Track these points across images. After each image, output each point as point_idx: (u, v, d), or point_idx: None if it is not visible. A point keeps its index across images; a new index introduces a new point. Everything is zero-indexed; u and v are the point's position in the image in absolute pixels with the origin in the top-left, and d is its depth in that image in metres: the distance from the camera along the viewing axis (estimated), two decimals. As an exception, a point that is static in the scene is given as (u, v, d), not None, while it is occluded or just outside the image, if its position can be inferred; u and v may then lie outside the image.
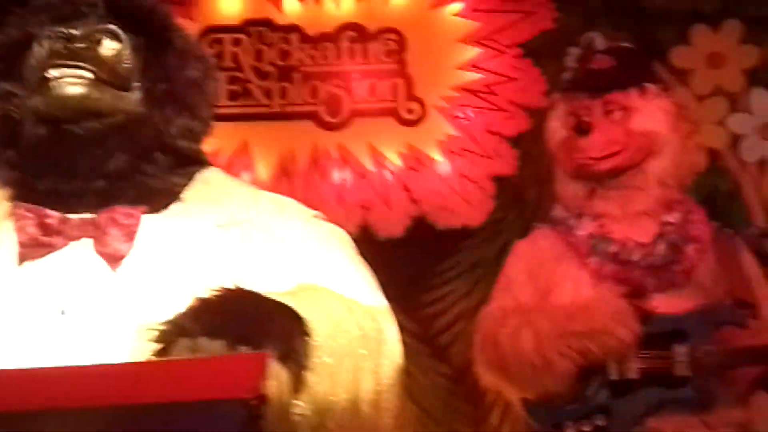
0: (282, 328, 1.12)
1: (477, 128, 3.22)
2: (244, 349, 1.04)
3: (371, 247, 2.97)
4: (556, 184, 2.25)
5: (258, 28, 3.29)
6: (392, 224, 3.18)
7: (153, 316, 1.12)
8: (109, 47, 1.34)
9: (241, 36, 3.29)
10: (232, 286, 1.13)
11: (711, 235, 2.14)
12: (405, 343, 1.28)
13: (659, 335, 2.02)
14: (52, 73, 1.29)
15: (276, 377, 1.06)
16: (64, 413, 0.93)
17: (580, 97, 2.17)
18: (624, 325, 1.98)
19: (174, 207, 1.33)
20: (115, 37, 1.34)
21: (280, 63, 3.27)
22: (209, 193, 1.37)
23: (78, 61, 1.30)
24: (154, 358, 1.06)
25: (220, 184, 1.41)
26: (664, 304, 2.05)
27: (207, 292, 1.12)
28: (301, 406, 1.11)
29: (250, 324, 1.09)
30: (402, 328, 1.31)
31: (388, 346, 1.27)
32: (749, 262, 2.16)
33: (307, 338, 1.14)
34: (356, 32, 3.28)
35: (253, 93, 3.25)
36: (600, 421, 2.02)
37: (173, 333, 1.07)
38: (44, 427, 0.97)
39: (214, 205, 1.35)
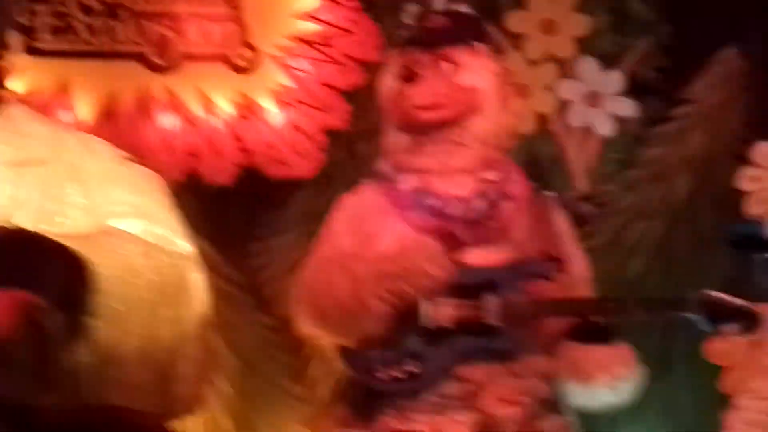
0: (60, 272, 1.07)
1: (311, 80, 3.18)
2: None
3: (198, 195, 2.95)
4: (383, 138, 2.27)
5: (86, -39, 3.13)
6: (221, 173, 3.11)
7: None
8: None
9: (68, -32, 3.13)
10: (7, 226, 1.07)
11: (527, 195, 2.22)
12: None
13: (473, 286, 2.09)
14: None
15: (46, 320, 1.01)
16: None
17: (413, 52, 2.20)
18: (436, 264, 2.03)
19: None
20: None
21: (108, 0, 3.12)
22: (7, 129, 1.28)
23: None
24: None
25: (21, 121, 1.32)
26: (480, 257, 2.11)
27: (-21, 232, 1.06)
28: (80, 353, 1.07)
29: (23, 265, 1.03)
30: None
31: (192, 293, 1.23)
32: (561, 221, 2.25)
33: (89, 283, 1.09)
34: (191, -28, 3.17)
35: (77, 29, 3.09)
36: (412, 368, 2.07)
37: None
38: None
39: (10, 142, 1.27)
